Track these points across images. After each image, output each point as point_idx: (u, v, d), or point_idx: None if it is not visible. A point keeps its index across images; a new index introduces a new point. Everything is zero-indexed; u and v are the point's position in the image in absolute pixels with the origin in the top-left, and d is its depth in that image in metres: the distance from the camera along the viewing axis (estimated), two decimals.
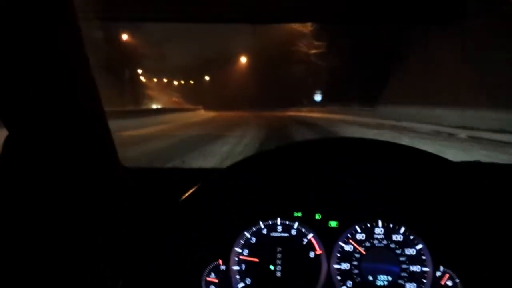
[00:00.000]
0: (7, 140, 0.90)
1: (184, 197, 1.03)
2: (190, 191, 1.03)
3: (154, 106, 51.38)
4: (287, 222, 1.20)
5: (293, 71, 51.24)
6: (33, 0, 0.79)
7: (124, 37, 40.80)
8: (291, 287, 1.16)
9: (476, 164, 1.25)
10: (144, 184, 1.19)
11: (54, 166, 0.90)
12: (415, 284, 1.14)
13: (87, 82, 0.95)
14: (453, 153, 8.85)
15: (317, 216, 1.21)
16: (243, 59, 68.69)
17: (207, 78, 76.86)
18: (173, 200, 1.06)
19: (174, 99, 74.33)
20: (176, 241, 1.05)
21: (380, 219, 1.20)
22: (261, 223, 1.20)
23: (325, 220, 1.21)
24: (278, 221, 1.21)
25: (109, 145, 1.04)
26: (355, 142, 1.09)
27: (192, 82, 79.28)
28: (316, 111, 37.05)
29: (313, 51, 39.67)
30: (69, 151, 0.92)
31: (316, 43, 38.52)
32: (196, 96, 73.44)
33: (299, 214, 1.21)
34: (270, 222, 1.21)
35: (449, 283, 1.14)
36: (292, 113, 39.00)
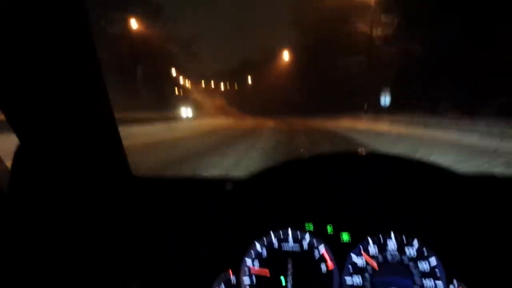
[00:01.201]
0: (18, 150, 0.92)
1: (196, 206, 1.06)
2: (202, 200, 1.06)
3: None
4: (298, 233, 1.20)
5: (348, 64, 35.51)
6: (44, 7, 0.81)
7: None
8: None
9: (490, 177, 1.21)
10: (155, 194, 1.22)
11: (63, 175, 0.93)
12: None
13: (98, 88, 0.97)
14: None
15: (329, 228, 1.20)
16: (286, 56, 59.10)
17: (249, 81, 72.43)
18: (184, 210, 1.09)
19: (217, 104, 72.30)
20: (186, 250, 1.07)
21: (393, 232, 1.18)
22: (272, 234, 1.20)
23: (337, 232, 1.20)
24: (289, 232, 1.20)
25: (119, 154, 1.07)
26: (368, 157, 1.09)
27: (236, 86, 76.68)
28: (386, 120, 21.18)
29: (380, 33, 26.59)
30: (79, 161, 0.94)
31: (385, 19, 25.28)
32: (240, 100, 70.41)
33: (311, 225, 1.21)
34: (281, 233, 1.20)
35: None
36: (341, 123, 23.00)
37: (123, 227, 1.06)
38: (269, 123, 27.80)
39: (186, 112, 43.45)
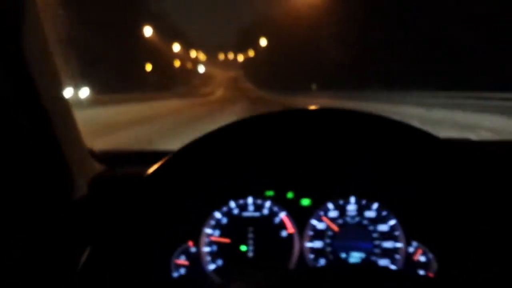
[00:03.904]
0: None
1: (148, 177, 1.04)
2: (154, 171, 1.04)
3: None
4: (259, 201, 1.18)
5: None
6: None
7: None
8: (263, 267, 1.15)
9: (466, 142, 1.18)
10: (111, 167, 1.19)
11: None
12: (388, 260, 1.12)
13: (44, 58, 0.95)
14: None
15: (289, 195, 1.18)
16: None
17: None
18: (139, 182, 1.08)
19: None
20: (142, 223, 1.06)
21: (353, 196, 1.16)
22: (232, 202, 1.18)
23: (298, 198, 1.18)
24: (250, 200, 1.19)
25: (70, 126, 1.04)
26: (328, 113, 1.04)
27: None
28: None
29: None
30: (23, 131, 0.92)
31: None
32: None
33: (271, 192, 1.19)
34: (241, 201, 1.19)
35: (422, 258, 1.10)
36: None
37: (74, 198, 1.05)
38: None
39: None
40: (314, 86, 30.22)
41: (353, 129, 1.07)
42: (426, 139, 1.00)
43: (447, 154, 1.00)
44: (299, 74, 33.13)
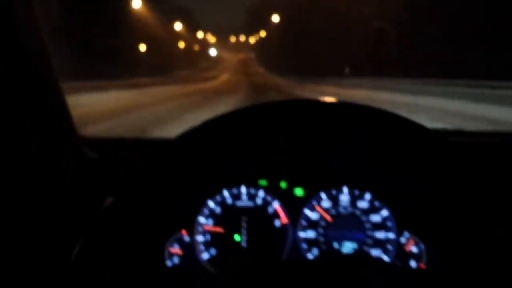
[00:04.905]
0: None
1: (142, 167, 1.04)
2: (148, 161, 1.04)
3: None
4: (252, 191, 1.19)
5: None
6: None
7: None
8: (257, 257, 1.16)
9: (457, 132, 1.17)
10: (104, 155, 1.19)
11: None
12: (380, 251, 1.12)
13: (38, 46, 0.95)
14: None
15: (283, 184, 1.18)
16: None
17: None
18: (134, 170, 1.08)
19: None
20: (136, 212, 1.07)
21: (346, 186, 1.16)
22: (225, 191, 1.19)
23: (291, 187, 1.18)
24: (243, 189, 1.19)
25: (62, 111, 1.04)
26: (321, 104, 1.04)
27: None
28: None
29: None
30: (17, 118, 0.92)
31: None
32: None
33: (264, 182, 1.19)
34: (234, 190, 1.19)
35: (414, 249, 1.10)
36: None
37: (68, 187, 1.05)
38: None
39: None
40: (347, 70, 22.01)
41: (345, 120, 1.06)
42: (418, 130, 0.99)
43: (439, 145, 0.99)
44: (322, 54, 25.57)
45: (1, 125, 0.91)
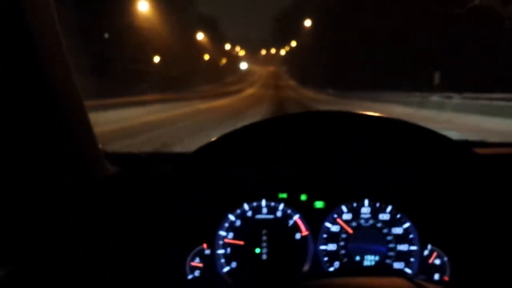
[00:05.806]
0: None
1: (163, 181, 1.06)
2: (169, 174, 1.06)
3: None
4: (272, 204, 1.19)
5: None
6: None
7: None
8: (277, 270, 1.15)
9: (481, 143, 1.15)
10: (125, 169, 1.21)
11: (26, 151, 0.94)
12: (403, 263, 1.10)
13: (61, 66, 0.98)
14: None
15: (303, 197, 1.18)
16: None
17: None
18: (154, 185, 1.10)
19: None
20: (158, 227, 1.08)
21: (367, 198, 1.15)
22: (245, 205, 1.19)
23: (311, 200, 1.18)
24: (263, 202, 1.19)
25: (85, 126, 1.07)
26: (342, 116, 1.04)
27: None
28: None
29: None
30: (43, 137, 0.95)
31: None
32: None
33: (285, 195, 1.19)
34: (255, 204, 1.19)
35: (437, 261, 1.07)
36: None
37: (91, 201, 1.08)
38: None
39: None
40: (437, 77, 18.04)
41: (365, 132, 1.06)
42: (441, 142, 0.98)
43: (464, 156, 0.98)
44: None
45: (26, 135, 0.94)
